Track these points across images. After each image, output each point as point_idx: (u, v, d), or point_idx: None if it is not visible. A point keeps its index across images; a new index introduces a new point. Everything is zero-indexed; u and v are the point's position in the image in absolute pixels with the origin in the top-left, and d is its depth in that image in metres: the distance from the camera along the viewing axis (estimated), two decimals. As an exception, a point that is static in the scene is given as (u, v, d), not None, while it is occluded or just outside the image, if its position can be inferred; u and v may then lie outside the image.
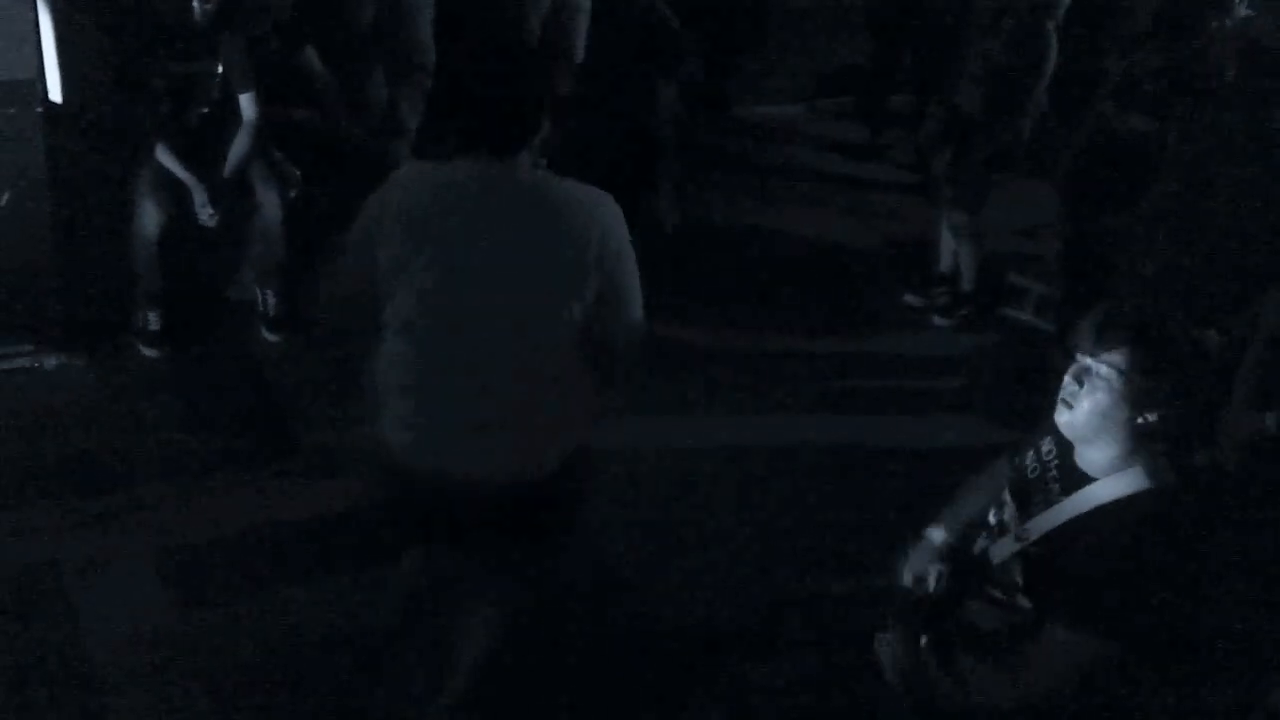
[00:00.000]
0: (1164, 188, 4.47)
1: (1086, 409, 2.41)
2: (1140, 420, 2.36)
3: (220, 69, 4.65)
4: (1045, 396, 2.55)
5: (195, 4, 4.49)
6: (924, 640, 2.65)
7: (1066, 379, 2.45)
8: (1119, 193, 4.88)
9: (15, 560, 3.76)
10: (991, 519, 2.66)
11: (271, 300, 4.94)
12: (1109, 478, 2.43)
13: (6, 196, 4.35)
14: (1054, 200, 5.58)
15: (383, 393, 2.80)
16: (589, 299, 2.66)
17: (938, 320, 5.64)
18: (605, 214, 2.67)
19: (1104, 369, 2.37)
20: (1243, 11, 4.63)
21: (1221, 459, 3.88)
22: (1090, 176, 5.16)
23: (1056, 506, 2.49)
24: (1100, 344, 2.39)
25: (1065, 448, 2.54)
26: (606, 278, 2.66)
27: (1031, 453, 2.64)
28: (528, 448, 2.77)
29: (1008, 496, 2.64)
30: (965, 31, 5.42)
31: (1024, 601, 2.51)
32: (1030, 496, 2.58)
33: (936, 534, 2.78)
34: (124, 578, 3.76)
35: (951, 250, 5.63)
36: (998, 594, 2.56)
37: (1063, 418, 2.46)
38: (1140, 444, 2.41)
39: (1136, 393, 2.35)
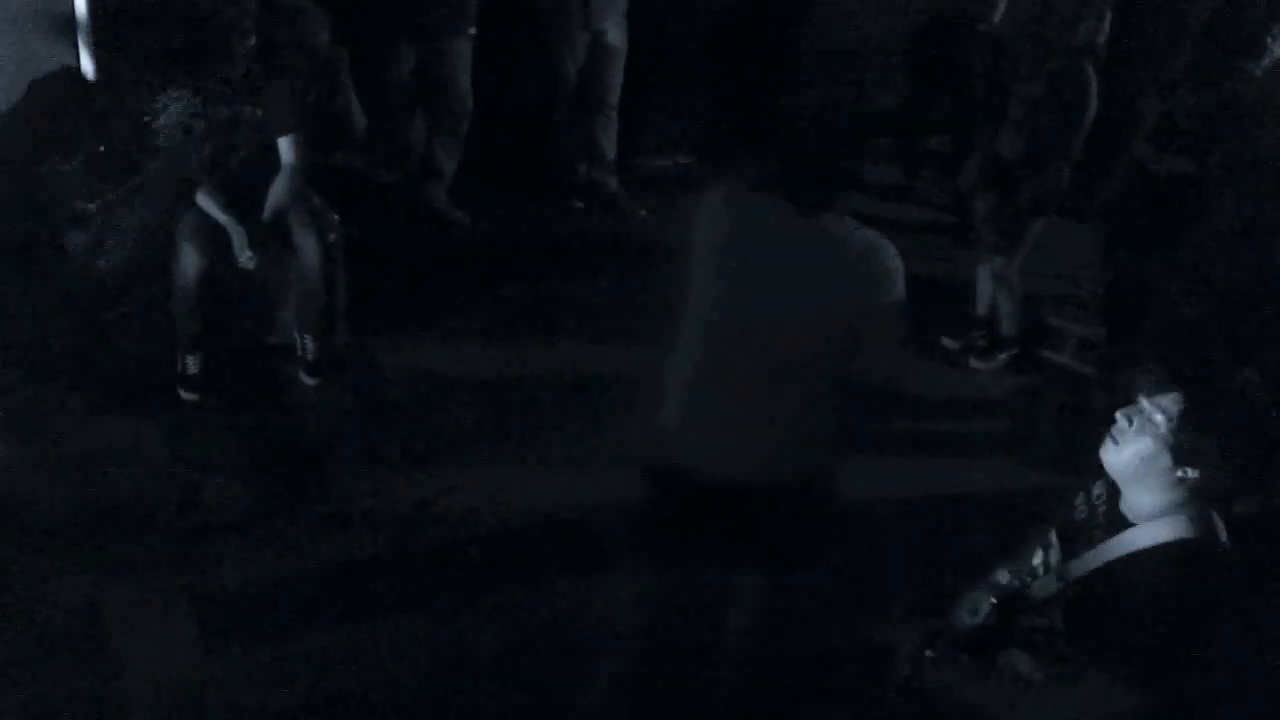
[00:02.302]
0: (1204, 230, 4.44)
1: (1132, 450, 2.40)
2: (1180, 474, 2.35)
3: (260, 113, 4.69)
4: (1088, 440, 2.53)
5: (235, 49, 4.54)
6: (967, 668, 2.63)
7: (1119, 415, 2.44)
8: (1159, 235, 4.85)
9: (53, 604, 3.77)
10: (1038, 560, 2.65)
11: (310, 345, 4.96)
12: (1149, 524, 2.42)
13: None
14: (1093, 243, 5.54)
15: (667, 382, 3.10)
16: (850, 344, 2.87)
17: (974, 363, 5.60)
18: (884, 270, 2.85)
19: (1157, 415, 2.37)
20: (1278, 53, 4.60)
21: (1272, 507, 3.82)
22: (1130, 219, 5.13)
23: (1097, 549, 2.49)
24: (1156, 387, 2.38)
25: (1114, 492, 2.53)
26: (870, 329, 2.86)
27: (1082, 495, 2.64)
28: (770, 455, 2.99)
29: (1054, 538, 2.63)
30: (1004, 76, 5.39)
31: (1063, 644, 2.48)
32: (1075, 538, 2.58)
33: (1000, 574, 2.76)
34: (161, 622, 3.77)
35: (988, 293, 5.60)
36: (1038, 636, 2.54)
37: (1108, 454, 2.46)
38: (1185, 496, 2.39)
39: (1181, 445, 2.34)
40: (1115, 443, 2.44)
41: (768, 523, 3.04)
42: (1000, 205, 5.31)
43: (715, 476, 3.01)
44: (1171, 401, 2.36)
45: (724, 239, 2.96)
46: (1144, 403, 2.40)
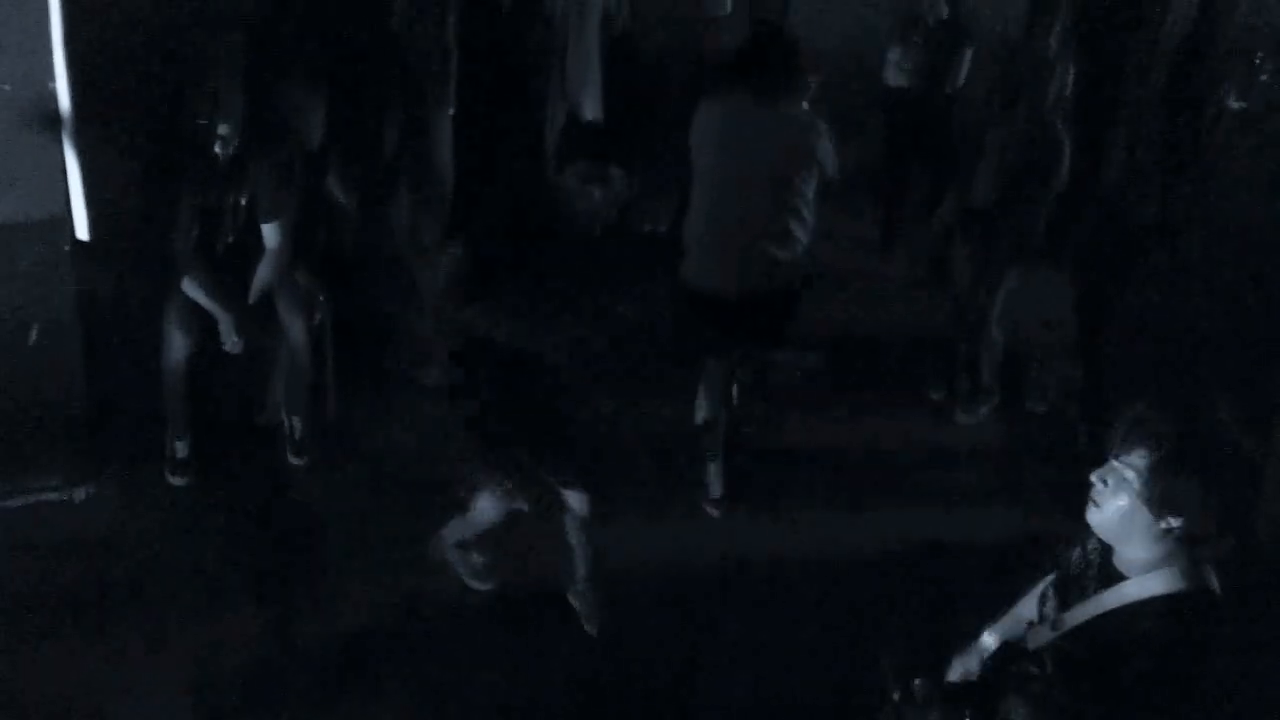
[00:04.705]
0: (1171, 270, 4.52)
1: (1112, 509, 2.41)
2: (1164, 525, 2.35)
3: (244, 200, 4.72)
4: (1076, 489, 2.54)
5: (217, 144, 4.55)
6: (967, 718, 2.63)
7: (1093, 478, 2.45)
8: (1127, 278, 4.92)
9: (49, 690, 3.76)
10: (1034, 610, 2.68)
11: (297, 425, 4.98)
12: (1141, 577, 2.43)
13: (35, 331, 4.43)
14: (1067, 287, 5.59)
15: (686, 229, 4.73)
16: (808, 174, 4.53)
17: (960, 414, 5.63)
18: (820, 127, 4.55)
19: (1128, 472, 2.37)
20: (1234, 105, 4.73)
21: (1258, 547, 3.84)
22: (1100, 263, 5.19)
23: (1091, 601, 2.49)
24: (1123, 444, 2.39)
25: (1109, 546, 2.53)
26: (819, 161, 4.55)
27: (1079, 549, 2.64)
28: (759, 270, 4.61)
29: (1051, 590, 2.65)
30: (977, 127, 5.48)
31: (1057, 693, 2.49)
32: (1070, 589, 2.58)
33: (997, 626, 2.78)
34: (156, 707, 3.76)
35: (971, 344, 5.64)
36: (1034, 684, 2.55)
37: (1091, 517, 2.47)
38: (1174, 548, 2.39)
39: (1157, 497, 2.34)
40: (1096, 505, 2.45)
41: (752, 319, 4.69)
42: (975, 251, 5.36)
43: (721, 292, 4.62)
44: (1139, 456, 2.36)
45: (716, 127, 4.58)
46: (1114, 462, 2.41)
